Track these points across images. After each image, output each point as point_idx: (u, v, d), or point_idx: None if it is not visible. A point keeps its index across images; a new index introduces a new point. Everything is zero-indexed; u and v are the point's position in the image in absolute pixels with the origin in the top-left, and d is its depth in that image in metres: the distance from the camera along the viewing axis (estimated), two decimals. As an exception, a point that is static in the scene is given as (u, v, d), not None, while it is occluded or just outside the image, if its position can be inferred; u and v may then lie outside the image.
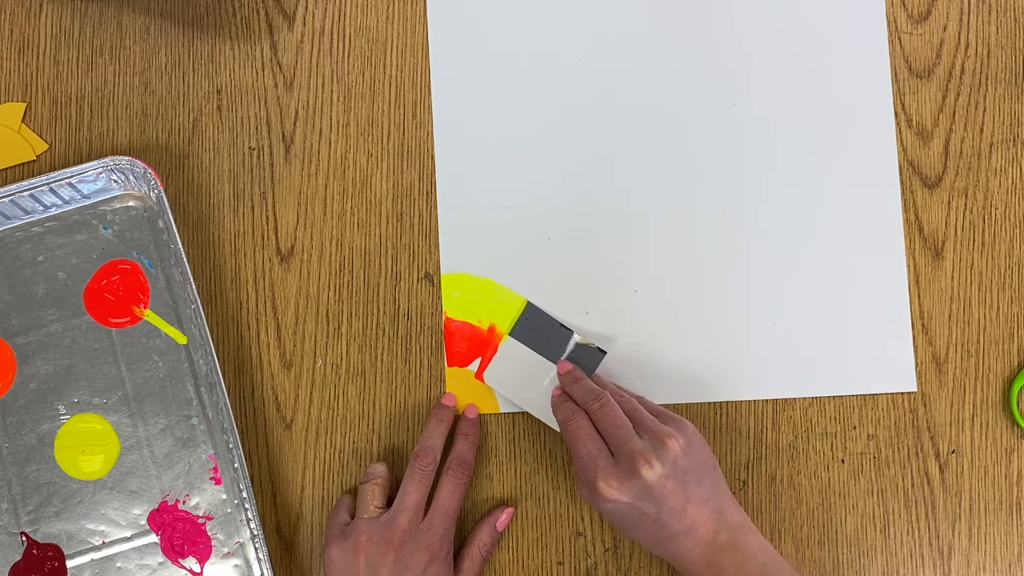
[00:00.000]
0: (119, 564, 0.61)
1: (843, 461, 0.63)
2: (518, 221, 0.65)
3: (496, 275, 0.65)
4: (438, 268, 0.65)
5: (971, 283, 0.64)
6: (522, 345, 0.63)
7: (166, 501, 0.62)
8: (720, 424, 0.64)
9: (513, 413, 0.64)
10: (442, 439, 0.61)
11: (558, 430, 0.60)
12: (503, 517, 0.62)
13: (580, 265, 0.65)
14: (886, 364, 0.63)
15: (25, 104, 0.66)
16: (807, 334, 0.64)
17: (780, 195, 0.65)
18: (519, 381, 0.63)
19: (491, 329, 0.64)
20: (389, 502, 0.60)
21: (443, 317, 0.64)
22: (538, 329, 0.63)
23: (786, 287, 0.64)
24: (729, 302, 0.64)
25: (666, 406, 0.63)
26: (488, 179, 0.65)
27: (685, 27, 0.66)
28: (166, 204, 0.62)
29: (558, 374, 0.62)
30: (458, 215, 0.65)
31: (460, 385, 0.64)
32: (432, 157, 0.65)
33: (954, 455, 0.63)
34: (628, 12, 0.66)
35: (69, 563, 0.61)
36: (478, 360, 0.64)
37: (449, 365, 0.64)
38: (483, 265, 0.65)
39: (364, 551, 0.57)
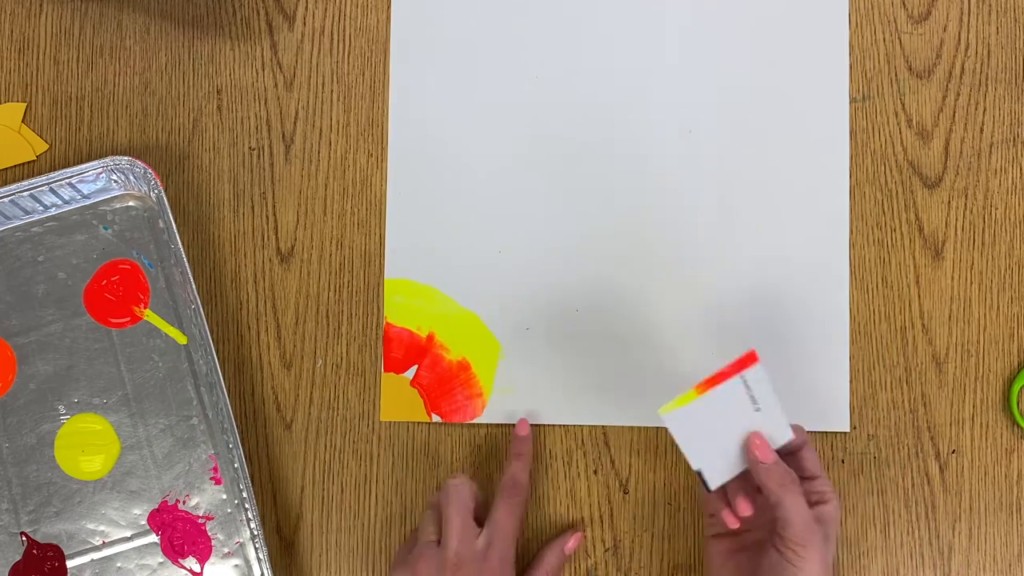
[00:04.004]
0: (119, 564, 0.62)
1: (843, 461, 0.63)
2: (468, 232, 0.64)
3: (440, 284, 0.64)
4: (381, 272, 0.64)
5: (971, 283, 0.64)
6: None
7: (166, 501, 0.62)
8: (720, 424, 0.63)
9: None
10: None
11: (711, 485, 0.55)
12: (571, 541, 0.61)
13: (526, 280, 0.64)
14: (822, 403, 0.63)
15: (25, 104, 0.66)
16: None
17: (730, 217, 0.64)
18: (711, 433, 0.55)
19: (430, 337, 0.64)
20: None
21: (384, 322, 0.64)
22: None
23: (740, 313, 0.63)
24: (676, 323, 0.63)
25: (603, 427, 0.63)
26: (441, 189, 0.64)
27: (643, 49, 0.65)
28: (166, 204, 0.62)
29: (760, 460, 0.54)
30: (407, 221, 0.64)
31: (394, 392, 0.63)
32: (384, 159, 0.65)
33: (954, 455, 0.63)
34: (588, 32, 0.65)
35: (69, 563, 0.61)
36: (415, 368, 0.64)
37: (386, 371, 0.64)
38: (427, 272, 0.64)
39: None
